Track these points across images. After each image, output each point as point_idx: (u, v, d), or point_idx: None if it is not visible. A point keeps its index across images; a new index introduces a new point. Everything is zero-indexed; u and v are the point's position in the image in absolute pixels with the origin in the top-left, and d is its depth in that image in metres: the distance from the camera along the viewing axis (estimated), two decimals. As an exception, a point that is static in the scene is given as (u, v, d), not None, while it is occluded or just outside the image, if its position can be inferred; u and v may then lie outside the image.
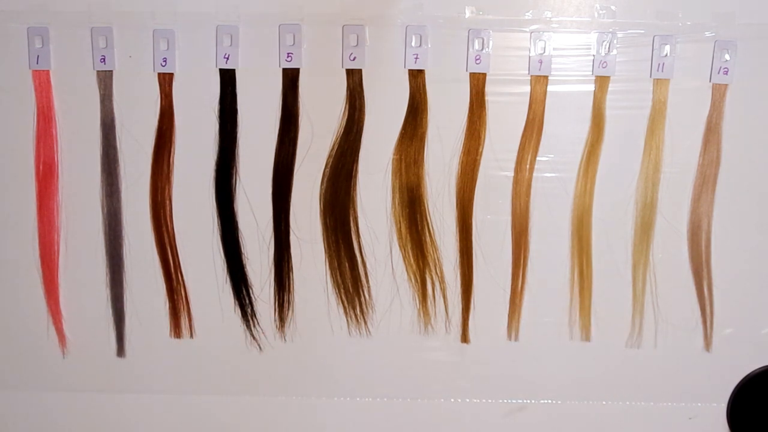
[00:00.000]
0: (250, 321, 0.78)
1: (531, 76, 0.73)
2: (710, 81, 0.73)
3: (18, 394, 0.81)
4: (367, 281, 0.77)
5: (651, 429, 0.80)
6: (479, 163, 0.75)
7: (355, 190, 0.75)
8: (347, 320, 0.78)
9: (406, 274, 0.77)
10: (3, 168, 0.76)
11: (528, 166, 0.75)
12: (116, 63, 0.73)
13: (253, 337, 0.78)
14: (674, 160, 0.75)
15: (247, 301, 0.78)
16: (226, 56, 0.73)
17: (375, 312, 0.78)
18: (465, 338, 0.78)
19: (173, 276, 0.77)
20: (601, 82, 0.73)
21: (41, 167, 0.75)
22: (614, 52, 0.73)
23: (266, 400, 0.80)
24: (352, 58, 0.72)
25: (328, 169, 0.75)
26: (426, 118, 0.74)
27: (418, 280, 0.77)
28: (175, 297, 0.78)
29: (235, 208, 0.76)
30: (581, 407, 0.80)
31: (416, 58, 0.72)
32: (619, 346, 0.78)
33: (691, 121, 0.74)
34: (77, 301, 0.78)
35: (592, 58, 0.73)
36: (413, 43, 0.72)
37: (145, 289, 0.77)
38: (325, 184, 0.75)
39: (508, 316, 0.78)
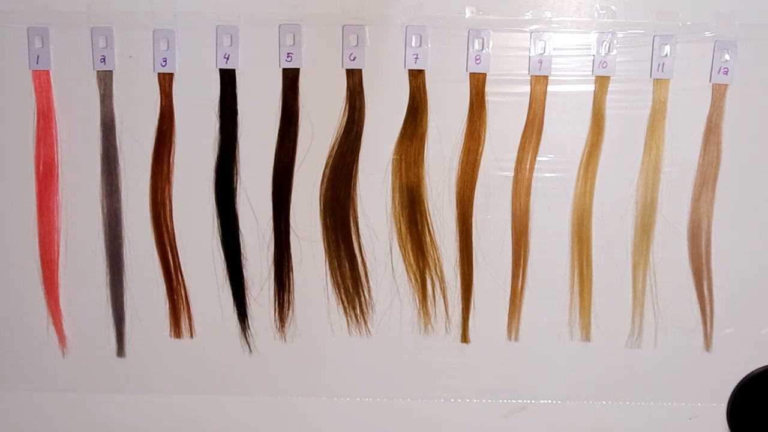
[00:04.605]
0: (249, 321, 0.78)
1: (531, 76, 0.73)
2: (710, 81, 0.73)
3: (18, 394, 0.81)
4: (367, 281, 0.77)
5: (651, 429, 0.80)
6: (479, 163, 0.75)
7: (355, 190, 0.75)
8: (347, 320, 0.78)
9: (406, 274, 0.77)
10: (3, 168, 0.76)
11: (528, 166, 0.75)
12: (116, 63, 0.73)
13: (249, 336, 0.79)
14: (674, 160, 0.75)
15: (248, 301, 0.78)
16: (226, 56, 0.73)
17: (375, 312, 0.78)
18: (465, 338, 0.78)
19: (173, 276, 0.77)
20: (601, 82, 0.73)
21: (41, 167, 0.75)
22: (614, 52, 0.73)
23: (266, 400, 0.81)
24: (352, 58, 0.72)
25: (328, 169, 0.75)
26: (426, 118, 0.74)
27: (418, 280, 0.77)
28: (175, 297, 0.78)
29: (235, 208, 0.76)
30: (581, 407, 0.80)
31: (416, 58, 0.72)
32: (619, 346, 0.78)
33: (691, 121, 0.74)
34: (77, 301, 0.78)
35: (592, 58, 0.73)
36: (413, 43, 0.72)
37: (145, 289, 0.77)
38: (325, 184, 0.75)
39: (508, 316, 0.78)
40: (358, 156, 0.75)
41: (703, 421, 0.80)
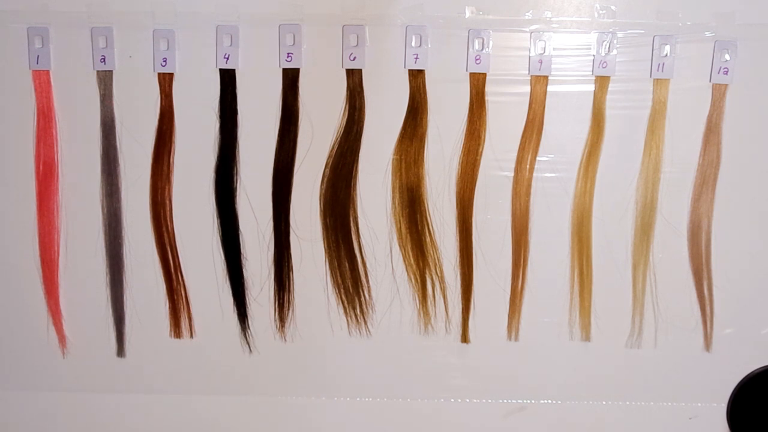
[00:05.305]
0: (249, 321, 0.78)
1: (531, 76, 0.73)
2: (710, 81, 0.73)
3: (18, 394, 0.81)
4: (367, 281, 0.77)
5: (651, 429, 0.80)
6: (479, 163, 0.75)
7: (355, 190, 0.75)
8: (347, 320, 0.78)
9: (406, 274, 0.77)
10: (3, 168, 0.76)
11: (528, 166, 0.75)
12: (116, 63, 0.73)
13: (249, 336, 0.79)
14: (674, 160, 0.75)
15: (248, 301, 0.78)
16: (226, 56, 0.73)
17: (375, 312, 0.78)
18: (465, 338, 0.78)
19: (173, 276, 0.77)
20: (601, 82, 0.73)
21: (41, 167, 0.75)
22: (614, 52, 0.73)
23: (266, 400, 0.81)
24: (352, 58, 0.72)
25: (328, 169, 0.75)
26: (426, 118, 0.74)
27: (418, 280, 0.77)
28: (175, 297, 0.78)
29: (235, 208, 0.76)
30: (581, 407, 0.80)
31: (416, 58, 0.72)
32: (619, 346, 0.78)
33: (691, 121, 0.74)
34: (77, 301, 0.78)
35: (592, 58, 0.73)
36: (413, 43, 0.72)
37: (145, 289, 0.77)
38: (325, 184, 0.75)
39: (508, 316, 0.78)
40: (358, 156, 0.75)
41: (703, 421, 0.80)
